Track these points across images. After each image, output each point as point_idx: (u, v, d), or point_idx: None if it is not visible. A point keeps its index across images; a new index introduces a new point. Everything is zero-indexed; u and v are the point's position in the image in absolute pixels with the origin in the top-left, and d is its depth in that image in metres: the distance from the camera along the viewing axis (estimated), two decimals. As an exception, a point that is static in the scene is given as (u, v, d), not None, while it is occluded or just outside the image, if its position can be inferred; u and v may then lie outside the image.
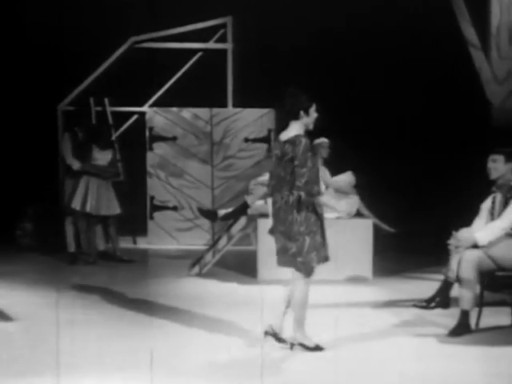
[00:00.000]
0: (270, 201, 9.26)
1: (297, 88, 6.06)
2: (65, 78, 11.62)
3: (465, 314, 6.58)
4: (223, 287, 8.76)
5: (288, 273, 6.22)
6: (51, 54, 11.73)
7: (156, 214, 12.05)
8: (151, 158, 12.01)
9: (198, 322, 7.01)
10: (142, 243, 11.98)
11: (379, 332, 6.69)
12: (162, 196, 12.05)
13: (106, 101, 11.87)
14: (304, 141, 5.91)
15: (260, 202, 9.47)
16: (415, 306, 7.56)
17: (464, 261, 6.57)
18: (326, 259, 6.13)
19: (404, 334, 6.67)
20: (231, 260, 10.23)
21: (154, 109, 12.04)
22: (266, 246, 9.09)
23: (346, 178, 9.69)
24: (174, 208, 12.01)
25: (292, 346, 6.15)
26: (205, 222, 11.59)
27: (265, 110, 11.98)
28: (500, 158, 6.80)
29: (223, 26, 12.15)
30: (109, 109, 11.88)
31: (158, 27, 11.93)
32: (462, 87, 9.85)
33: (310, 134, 9.78)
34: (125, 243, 11.59)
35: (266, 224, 9.21)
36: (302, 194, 5.86)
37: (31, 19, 11.71)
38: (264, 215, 9.37)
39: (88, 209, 10.05)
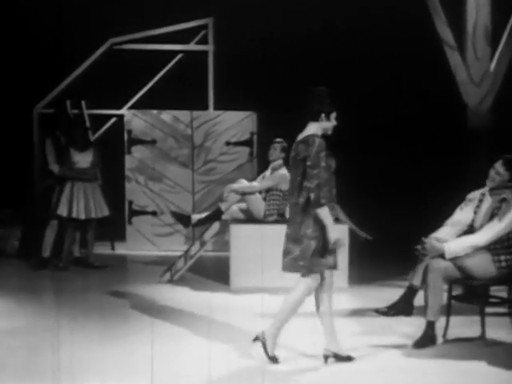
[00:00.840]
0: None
1: (325, 89, 5.84)
2: (42, 80, 11.43)
3: (430, 325, 6.30)
4: (192, 295, 8.50)
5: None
6: (28, 55, 11.54)
7: (135, 219, 11.82)
8: (130, 161, 11.78)
9: (164, 331, 6.78)
10: (121, 249, 11.73)
11: (343, 343, 6.38)
12: (140, 200, 11.82)
13: (83, 103, 11.65)
14: (318, 141, 5.65)
15: (234, 207, 9.26)
16: (377, 311, 7.29)
17: (431, 270, 6.29)
18: (333, 266, 5.78)
19: (369, 344, 6.39)
20: (208, 266, 10.00)
21: (133, 111, 11.83)
22: (239, 252, 8.92)
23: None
24: (153, 213, 11.80)
25: (256, 339, 5.85)
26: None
27: (247, 113, 11.77)
28: (505, 175, 6.42)
29: (204, 27, 11.95)
30: (86, 111, 11.67)
31: (138, 28, 11.70)
32: (438, 89, 9.55)
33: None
34: (103, 249, 11.44)
35: (238, 230, 9.08)
36: (312, 195, 5.56)
37: (7, 19, 11.47)
38: (237, 220, 9.18)
39: (75, 214, 9.86)
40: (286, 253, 5.81)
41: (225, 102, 11.70)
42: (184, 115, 11.77)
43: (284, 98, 11.37)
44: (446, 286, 6.45)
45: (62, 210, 9.87)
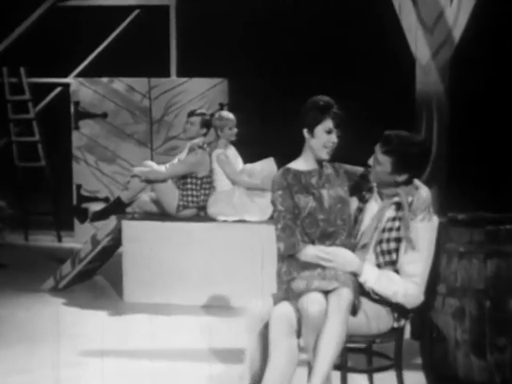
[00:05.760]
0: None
1: (317, 97, 4.41)
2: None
3: None
4: (64, 312, 6.95)
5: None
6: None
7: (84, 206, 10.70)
8: (77, 138, 10.69)
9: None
10: (68, 240, 10.56)
11: None
12: (90, 185, 10.74)
13: (22, 70, 10.89)
14: (273, 180, 4.43)
15: (144, 197, 7.57)
16: None
17: (272, 320, 4.31)
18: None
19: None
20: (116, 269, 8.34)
21: (80, 79, 10.81)
22: (132, 256, 7.28)
23: (266, 167, 7.61)
24: (105, 199, 10.58)
25: None
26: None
27: (216, 80, 10.60)
28: (387, 164, 4.30)
29: (165, -23, 11.05)
30: (26, 80, 10.87)
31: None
32: (378, 38, 7.63)
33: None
34: (49, 240, 10.63)
35: (131, 228, 7.35)
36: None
37: None
38: (150, 214, 7.47)
39: None
40: None
41: (190, 68, 10.70)
42: (140, 84, 10.65)
43: (259, 62, 10.38)
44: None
45: None
